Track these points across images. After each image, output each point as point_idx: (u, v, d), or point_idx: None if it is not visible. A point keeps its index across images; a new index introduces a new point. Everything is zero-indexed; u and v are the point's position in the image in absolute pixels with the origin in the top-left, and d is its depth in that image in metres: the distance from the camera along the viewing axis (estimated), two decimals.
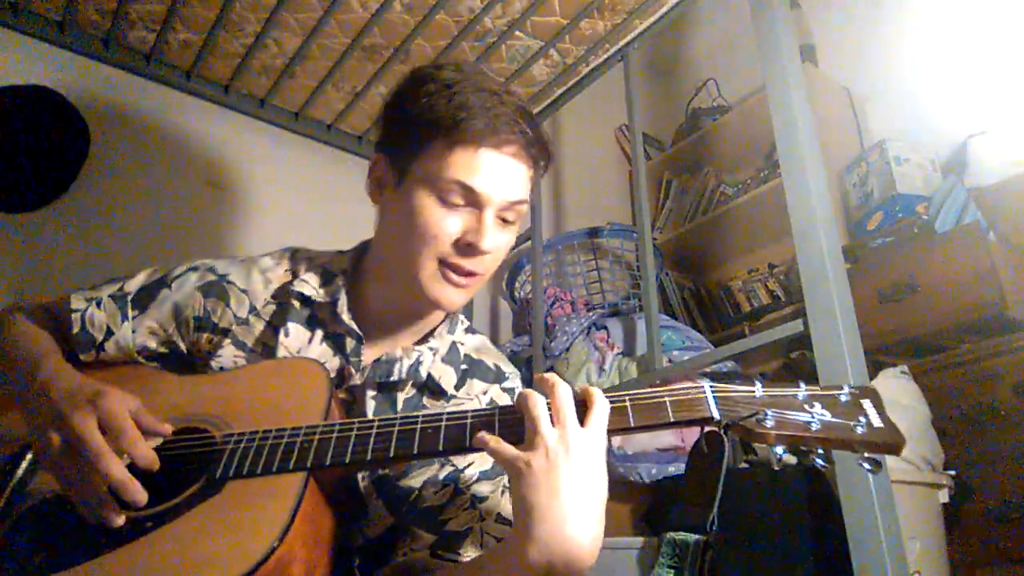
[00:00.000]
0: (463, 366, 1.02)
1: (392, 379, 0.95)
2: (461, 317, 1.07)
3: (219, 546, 0.69)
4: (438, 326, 1.02)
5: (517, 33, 2.03)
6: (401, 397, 0.96)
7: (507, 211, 0.91)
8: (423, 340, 1.01)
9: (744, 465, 1.72)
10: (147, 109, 2.10)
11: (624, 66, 2.12)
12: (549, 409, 0.72)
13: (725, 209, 2.74)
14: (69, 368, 0.87)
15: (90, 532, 0.74)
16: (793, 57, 1.63)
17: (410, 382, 0.96)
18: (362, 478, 0.92)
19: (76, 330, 0.97)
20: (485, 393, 1.02)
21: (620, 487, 1.83)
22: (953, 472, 1.72)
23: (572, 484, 0.67)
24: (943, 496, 1.68)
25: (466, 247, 0.89)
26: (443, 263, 0.90)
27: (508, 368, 1.06)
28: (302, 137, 2.39)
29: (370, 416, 0.93)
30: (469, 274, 0.91)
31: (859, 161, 2.39)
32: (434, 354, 0.99)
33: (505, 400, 1.03)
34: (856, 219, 2.34)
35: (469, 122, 0.86)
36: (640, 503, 1.84)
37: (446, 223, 0.88)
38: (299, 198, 2.32)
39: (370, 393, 0.95)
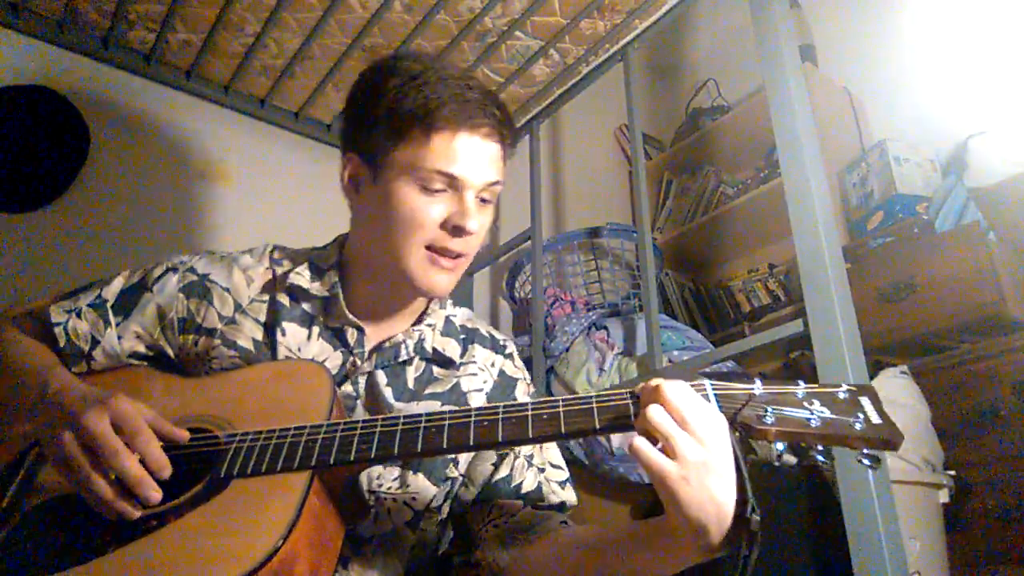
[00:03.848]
0: (462, 336, 1.06)
1: (401, 359, 0.98)
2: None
3: (224, 543, 0.70)
4: (428, 304, 1.05)
5: (517, 33, 2.03)
6: (411, 373, 0.99)
7: (484, 192, 0.94)
8: (419, 321, 1.04)
9: None
10: (147, 109, 2.09)
11: (624, 66, 2.12)
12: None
13: (725, 209, 2.73)
14: (77, 379, 0.87)
15: (96, 530, 0.75)
16: (793, 57, 1.64)
17: (417, 357, 1.00)
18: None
19: (62, 344, 0.96)
20: (493, 365, 1.07)
21: (620, 487, 1.83)
22: (953, 472, 1.72)
23: (725, 477, 0.66)
24: (943, 496, 1.68)
25: (453, 229, 0.91)
26: (431, 249, 0.92)
27: (500, 335, 1.12)
28: (302, 137, 2.39)
29: (390, 399, 0.95)
30: (456, 256, 0.93)
31: (859, 161, 2.39)
32: (433, 329, 1.03)
33: (513, 370, 1.08)
34: (856, 219, 2.34)
35: (443, 109, 0.88)
36: (640, 503, 1.84)
37: (431, 209, 0.91)
38: (299, 198, 2.31)
39: (383, 380, 0.96)
